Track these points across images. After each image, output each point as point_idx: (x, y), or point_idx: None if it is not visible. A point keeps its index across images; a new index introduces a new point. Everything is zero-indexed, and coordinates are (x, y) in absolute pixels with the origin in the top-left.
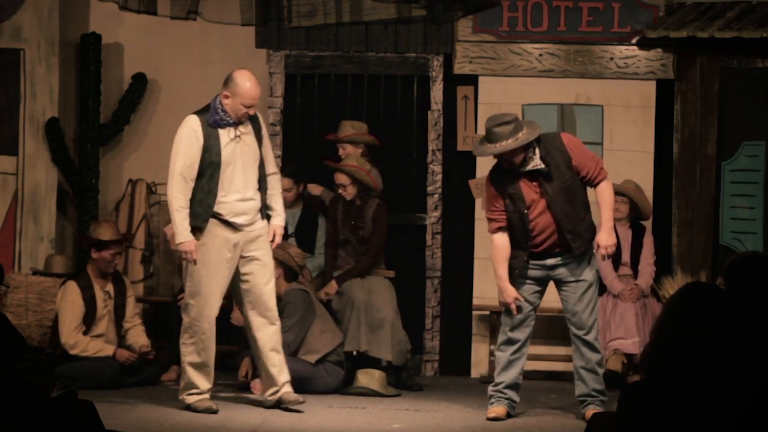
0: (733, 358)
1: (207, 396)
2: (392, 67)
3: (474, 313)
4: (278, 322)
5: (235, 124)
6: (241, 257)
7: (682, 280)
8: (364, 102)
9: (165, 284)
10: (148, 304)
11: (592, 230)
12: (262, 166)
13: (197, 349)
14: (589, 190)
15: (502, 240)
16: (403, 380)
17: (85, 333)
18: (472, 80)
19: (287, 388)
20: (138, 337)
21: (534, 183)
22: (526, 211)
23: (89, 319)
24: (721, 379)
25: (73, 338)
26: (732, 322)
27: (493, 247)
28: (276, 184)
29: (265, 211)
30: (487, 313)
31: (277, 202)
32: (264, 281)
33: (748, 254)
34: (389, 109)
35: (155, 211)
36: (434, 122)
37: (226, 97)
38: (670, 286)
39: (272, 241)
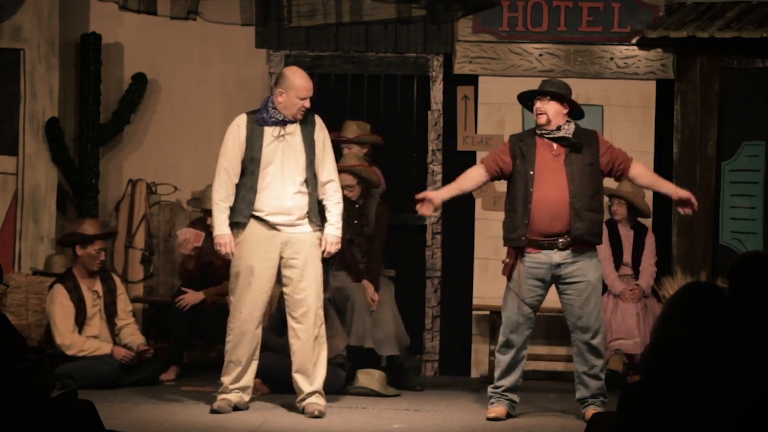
0: (733, 358)
1: (228, 395)
2: (392, 67)
3: (474, 313)
4: (313, 331)
5: (283, 123)
6: (282, 260)
7: (682, 280)
8: (364, 102)
9: (165, 284)
10: (148, 304)
11: (596, 226)
12: (309, 169)
13: (230, 346)
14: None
15: (475, 173)
16: (402, 380)
17: (78, 334)
18: (472, 80)
19: (312, 399)
20: (133, 336)
21: (558, 153)
22: (532, 173)
23: (80, 319)
24: (722, 379)
25: (69, 339)
26: (732, 322)
27: (463, 173)
28: (333, 193)
29: (317, 218)
30: (487, 313)
31: (332, 211)
32: (299, 288)
33: (749, 254)
34: (389, 109)
35: (155, 211)
36: (434, 122)
37: (280, 94)
38: (670, 286)
39: (324, 251)
